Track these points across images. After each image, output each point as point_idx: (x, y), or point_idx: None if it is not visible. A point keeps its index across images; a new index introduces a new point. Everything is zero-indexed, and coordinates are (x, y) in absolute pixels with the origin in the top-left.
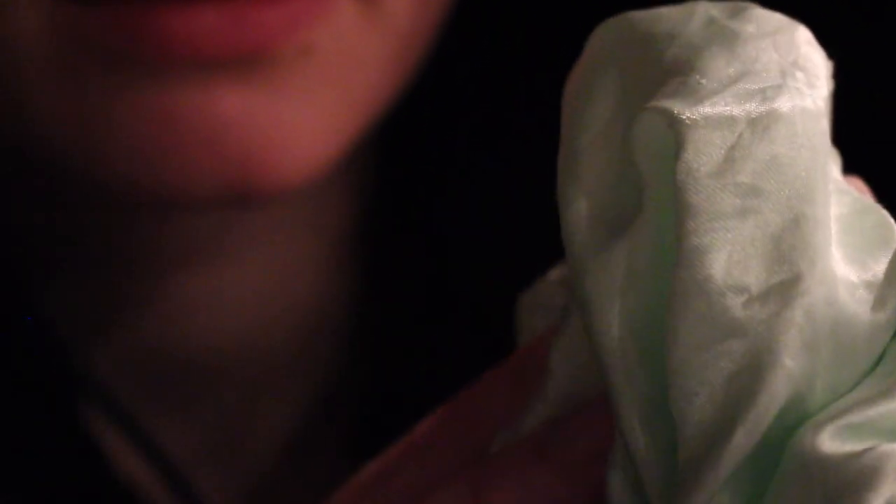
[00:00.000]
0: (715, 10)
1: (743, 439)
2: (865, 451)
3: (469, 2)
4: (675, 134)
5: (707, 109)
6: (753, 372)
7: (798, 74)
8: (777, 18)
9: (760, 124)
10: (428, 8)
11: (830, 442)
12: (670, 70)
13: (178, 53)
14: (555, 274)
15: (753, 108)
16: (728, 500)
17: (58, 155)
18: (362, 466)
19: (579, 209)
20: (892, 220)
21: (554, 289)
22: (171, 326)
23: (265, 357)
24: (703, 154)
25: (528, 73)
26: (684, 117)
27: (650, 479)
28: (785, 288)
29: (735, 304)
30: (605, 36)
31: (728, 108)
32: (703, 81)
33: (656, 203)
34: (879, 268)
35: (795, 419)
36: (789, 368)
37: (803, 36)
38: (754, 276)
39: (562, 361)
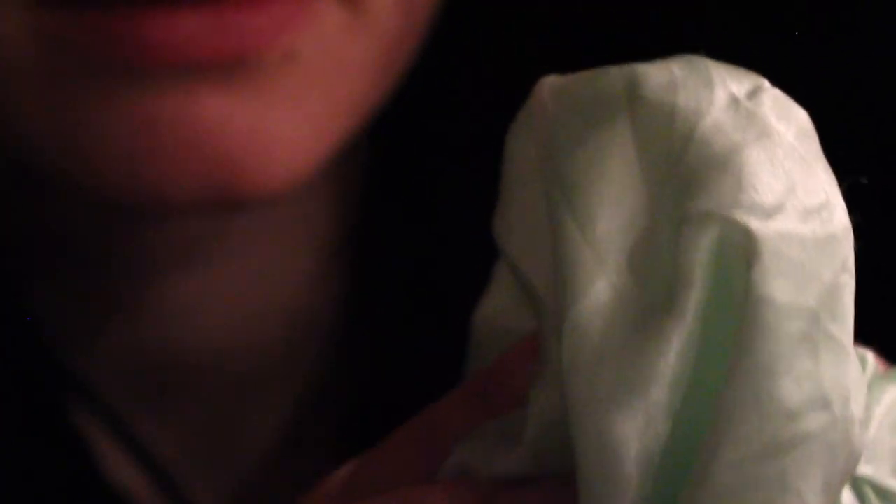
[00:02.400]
0: (732, 85)
1: None
2: None
3: (456, 6)
4: (749, 248)
5: (779, 225)
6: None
7: (828, 178)
8: (789, 104)
9: (824, 245)
10: (413, 12)
11: None
12: (710, 161)
13: (160, 59)
14: (498, 295)
15: (817, 227)
16: None
17: (42, 158)
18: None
19: (597, 296)
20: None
21: (502, 309)
22: (160, 328)
23: (253, 359)
24: (779, 274)
25: (518, 78)
26: (759, 231)
27: None
28: (814, 423)
29: (781, 429)
30: (610, 81)
31: (795, 225)
32: (760, 190)
33: (700, 308)
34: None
35: None
36: None
37: (809, 121)
38: (797, 405)
39: (540, 408)
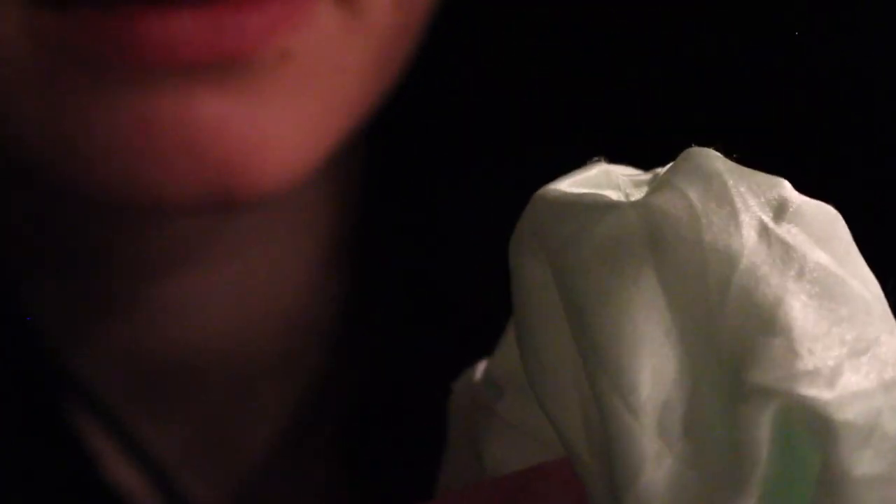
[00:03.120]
0: (755, 204)
1: None
2: None
3: (455, 5)
4: (819, 424)
5: (843, 390)
6: None
7: (873, 294)
8: (815, 211)
9: (885, 392)
10: (410, 13)
11: None
12: (753, 320)
13: (156, 59)
14: (485, 368)
15: (878, 372)
16: None
17: (40, 159)
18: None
19: (653, 474)
20: None
21: (485, 387)
22: (158, 328)
23: (253, 359)
24: (853, 447)
25: (518, 78)
26: (826, 405)
27: None
28: None
29: None
30: (624, 223)
31: (858, 381)
32: (815, 351)
33: (767, 483)
34: None
35: None
36: None
37: (837, 217)
38: None
39: None
